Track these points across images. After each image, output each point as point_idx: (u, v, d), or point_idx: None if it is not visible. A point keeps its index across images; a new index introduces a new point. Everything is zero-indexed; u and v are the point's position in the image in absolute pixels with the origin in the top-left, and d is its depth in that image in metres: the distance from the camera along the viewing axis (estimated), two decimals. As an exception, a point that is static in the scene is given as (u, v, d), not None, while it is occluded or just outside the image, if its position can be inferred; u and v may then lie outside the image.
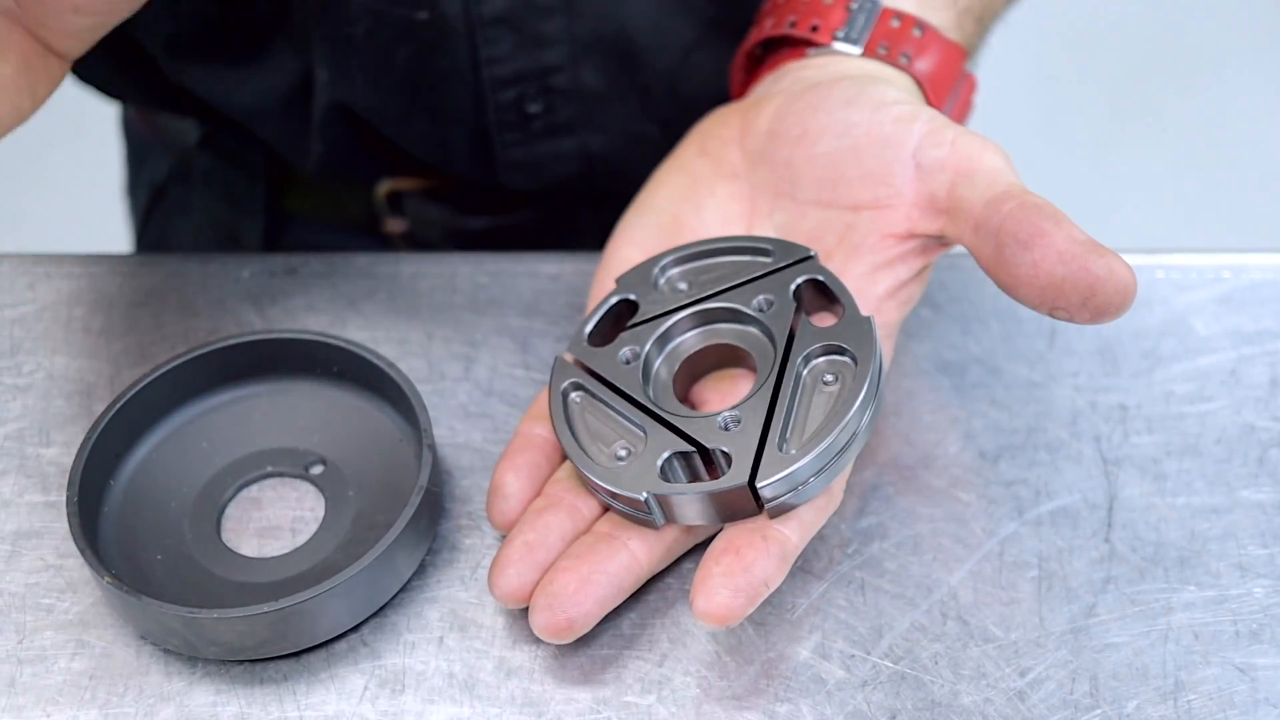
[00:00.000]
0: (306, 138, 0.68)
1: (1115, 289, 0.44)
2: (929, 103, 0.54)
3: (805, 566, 0.49)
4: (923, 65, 0.54)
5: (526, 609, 0.47)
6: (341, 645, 0.48)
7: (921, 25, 0.54)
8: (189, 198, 0.78)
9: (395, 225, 0.74)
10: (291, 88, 0.66)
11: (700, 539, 0.49)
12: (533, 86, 0.65)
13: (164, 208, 0.79)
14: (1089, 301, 0.44)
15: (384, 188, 0.72)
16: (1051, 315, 0.46)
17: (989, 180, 0.47)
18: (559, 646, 0.47)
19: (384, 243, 0.75)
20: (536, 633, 0.46)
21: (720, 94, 0.61)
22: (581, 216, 0.72)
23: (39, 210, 1.69)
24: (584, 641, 0.47)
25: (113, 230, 0.91)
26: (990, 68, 0.75)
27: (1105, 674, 0.46)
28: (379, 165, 0.71)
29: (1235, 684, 0.46)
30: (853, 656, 0.47)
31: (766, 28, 0.56)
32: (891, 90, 0.51)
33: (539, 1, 0.63)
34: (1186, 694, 0.46)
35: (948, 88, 0.55)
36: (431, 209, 0.72)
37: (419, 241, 0.74)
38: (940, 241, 0.50)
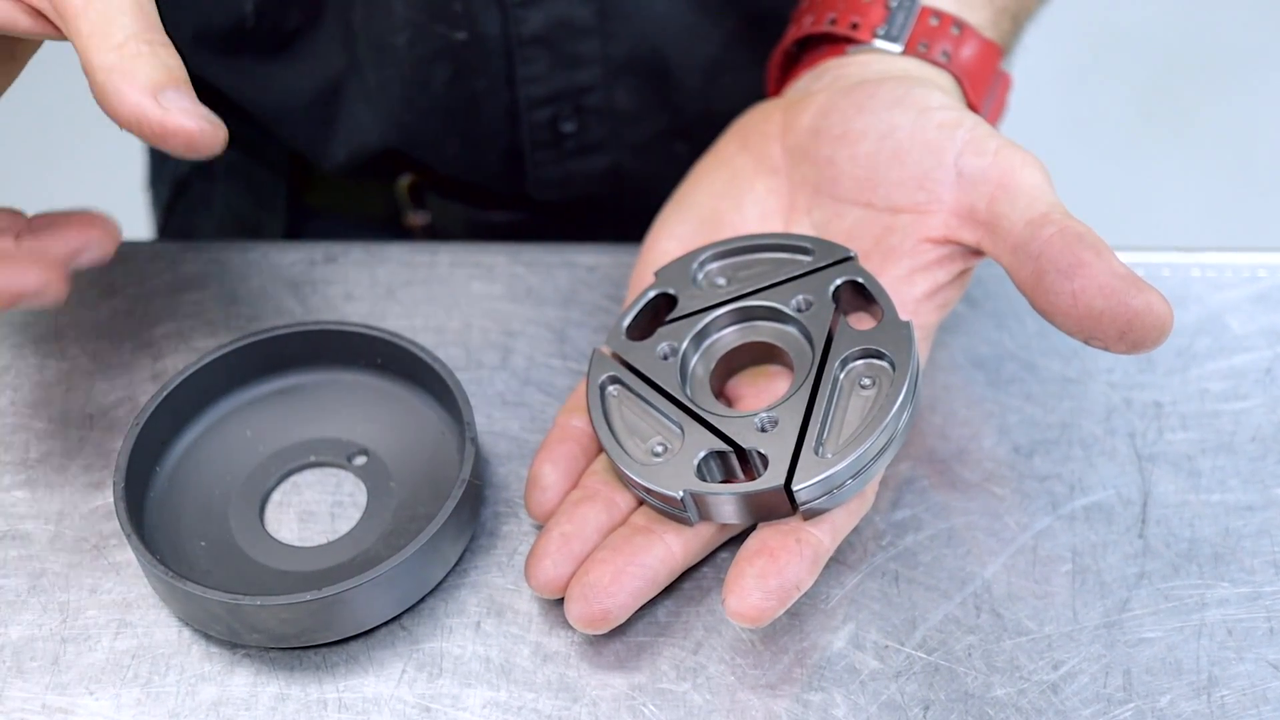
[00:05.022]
0: (329, 141, 0.68)
1: (1153, 324, 0.45)
2: (967, 101, 0.55)
3: (839, 558, 0.50)
4: (961, 63, 0.54)
5: (562, 599, 0.47)
6: (380, 629, 0.48)
7: (960, 23, 0.54)
8: (211, 192, 0.78)
9: (417, 219, 0.74)
10: (319, 91, 0.66)
11: (736, 533, 0.50)
12: (567, 106, 0.66)
13: (186, 202, 0.80)
14: (1126, 335, 0.45)
15: (405, 181, 0.73)
16: (1087, 343, 0.46)
17: (1029, 198, 0.48)
18: (595, 633, 0.48)
19: (405, 236, 0.76)
20: (572, 623, 0.46)
21: None
22: (605, 210, 0.72)
23: (69, 198, 1.70)
24: (619, 629, 0.48)
25: (141, 220, 0.92)
26: (1022, 68, 0.75)
27: (1138, 668, 0.47)
28: (401, 168, 0.72)
29: (1269, 680, 0.46)
30: (886, 647, 0.48)
31: (805, 25, 0.56)
32: (937, 94, 0.51)
33: (575, 21, 0.63)
34: (1220, 689, 0.46)
35: (985, 86, 0.55)
36: (454, 203, 0.73)
37: (440, 235, 0.74)
38: (976, 252, 0.50)
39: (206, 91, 0.69)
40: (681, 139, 0.68)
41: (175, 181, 0.80)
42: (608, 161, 0.69)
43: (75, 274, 0.60)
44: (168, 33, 0.67)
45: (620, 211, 0.68)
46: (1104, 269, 0.45)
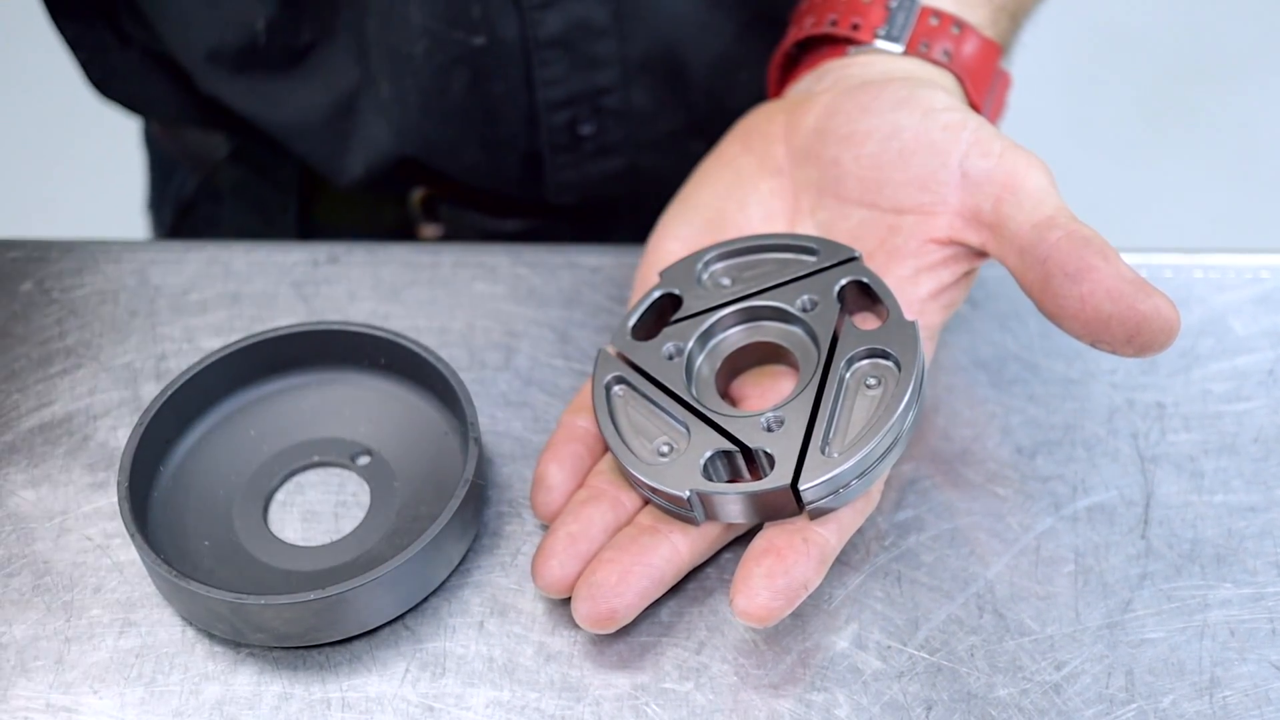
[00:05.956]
0: (345, 155, 0.68)
1: (1160, 328, 0.45)
2: (969, 100, 0.55)
3: (842, 558, 0.50)
4: (962, 62, 0.54)
5: (567, 598, 0.47)
6: (383, 629, 0.48)
7: (959, 23, 0.55)
8: (217, 213, 0.78)
9: (430, 231, 0.74)
10: (334, 106, 0.67)
11: (740, 533, 0.50)
12: (585, 108, 0.66)
13: (191, 224, 0.79)
14: (1134, 339, 0.45)
15: (418, 193, 0.73)
16: (1094, 346, 0.46)
17: (1035, 201, 0.48)
18: (598, 633, 0.48)
19: None
20: (579, 623, 0.46)
21: None
22: (619, 218, 0.72)
23: (72, 199, 1.70)
24: (623, 629, 0.48)
25: (143, 230, 0.92)
26: (1025, 68, 0.75)
27: (1141, 669, 0.47)
28: (416, 180, 0.72)
29: (1271, 681, 0.46)
30: (889, 647, 0.48)
31: (806, 26, 0.56)
32: (941, 95, 0.51)
33: (592, 23, 0.64)
34: (1222, 690, 0.46)
35: (986, 85, 0.55)
36: (467, 213, 0.73)
37: None
38: (980, 254, 0.50)
39: (221, 111, 0.69)
40: (697, 137, 0.68)
41: (180, 203, 0.80)
42: (625, 162, 0.69)
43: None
44: (180, 53, 0.67)
45: (634, 212, 0.68)
46: (1112, 273, 0.45)
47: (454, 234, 0.74)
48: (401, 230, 0.75)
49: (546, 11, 0.63)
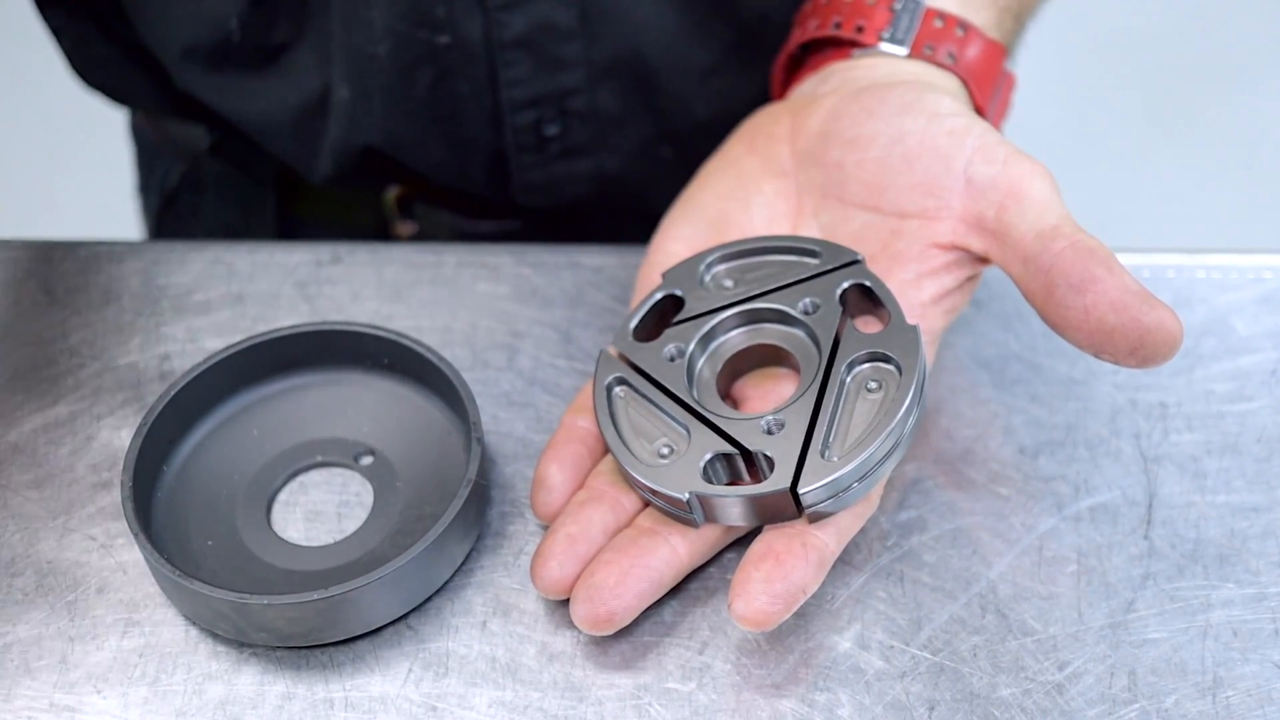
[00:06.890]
0: (315, 155, 0.69)
1: (1164, 340, 0.45)
2: (973, 102, 0.55)
3: (845, 558, 0.50)
4: (967, 65, 0.54)
5: (567, 599, 0.47)
6: (386, 629, 0.49)
7: (964, 25, 0.55)
8: (199, 204, 0.78)
9: (404, 229, 0.74)
10: (304, 106, 0.67)
11: (741, 534, 0.50)
12: (550, 109, 0.66)
13: (175, 212, 0.80)
14: (1137, 351, 0.45)
15: (393, 192, 0.73)
16: (1097, 357, 0.47)
17: (1039, 210, 0.48)
18: (600, 633, 0.48)
19: None
20: (577, 624, 0.46)
21: (735, 116, 0.61)
22: (591, 218, 0.72)
23: (74, 199, 1.70)
24: (625, 629, 0.48)
25: (135, 223, 0.92)
26: (1029, 69, 0.75)
27: (1144, 669, 0.47)
28: (388, 177, 0.72)
29: (1274, 681, 0.46)
30: (892, 647, 0.48)
31: (811, 29, 0.56)
32: (947, 100, 0.51)
33: (557, 25, 0.64)
34: (1225, 690, 0.46)
35: (991, 87, 0.55)
36: (441, 212, 0.73)
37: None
38: (983, 260, 0.50)
39: (197, 106, 0.70)
40: (667, 143, 0.68)
41: (164, 193, 0.81)
42: (592, 165, 0.69)
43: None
44: (157, 49, 0.68)
45: (607, 218, 0.68)
46: (1116, 285, 0.45)
47: (428, 233, 0.74)
48: (377, 228, 0.75)
49: (510, 12, 0.63)
